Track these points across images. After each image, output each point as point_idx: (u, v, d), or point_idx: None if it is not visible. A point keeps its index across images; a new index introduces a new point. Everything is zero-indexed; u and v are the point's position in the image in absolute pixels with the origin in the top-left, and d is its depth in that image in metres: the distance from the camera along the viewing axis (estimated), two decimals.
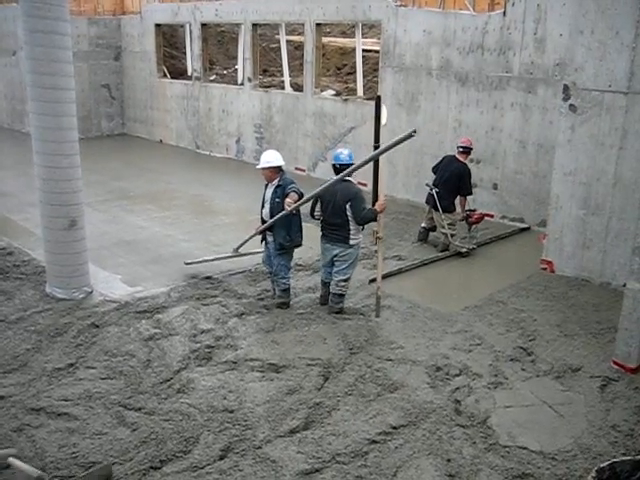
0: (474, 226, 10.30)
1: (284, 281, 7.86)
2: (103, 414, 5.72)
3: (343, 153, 7.67)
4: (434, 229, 10.39)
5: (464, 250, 9.92)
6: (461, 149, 10.13)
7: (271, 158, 7.61)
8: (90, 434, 5.43)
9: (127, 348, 6.85)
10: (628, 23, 8.05)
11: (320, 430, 5.58)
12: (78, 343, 6.92)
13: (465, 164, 10.07)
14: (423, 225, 10.55)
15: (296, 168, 14.83)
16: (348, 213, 7.42)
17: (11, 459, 4.83)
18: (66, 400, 5.89)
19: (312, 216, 7.82)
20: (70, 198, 7.81)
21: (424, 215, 10.62)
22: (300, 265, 9.17)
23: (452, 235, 9.96)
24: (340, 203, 7.42)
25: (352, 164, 7.45)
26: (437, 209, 9.93)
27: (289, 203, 7.30)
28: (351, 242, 7.56)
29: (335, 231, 7.56)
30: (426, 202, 10.32)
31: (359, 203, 7.39)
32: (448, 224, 9.94)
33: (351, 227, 7.49)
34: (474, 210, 10.38)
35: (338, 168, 7.54)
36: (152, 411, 5.79)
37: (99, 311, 7.66)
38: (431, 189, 10.00)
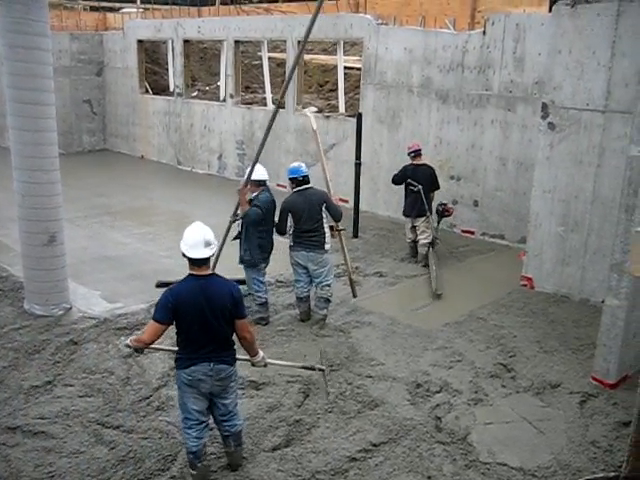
0: (443, 218, 10.69)
1: (259, 294, 7.87)
2: (80, 432, 5.66)
3: (302, 165, 8.03)
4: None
5: (436, 241, 10.30)
6: (413, 154, 10.34)
7: (260, 172, 7.82)
8: (67, 453, 5.38)
9: (106, 365, 6.79)
10: (604, 43, 8.18)
11: (300, 447, 5.56)
12: (56, 360, 6.85)
13: (427, 164, 10.39)
14: (410, 237, 10.52)
15: (277, 184, 14.81)
16: (323, 214, 7.83)
17: None
18: (43, 418, 5.83)
19: (282, 233, 7.95)
20: (50, 214, 7.77)
21: (406, 229, 10.62)
22: (280, 282, 9.17)
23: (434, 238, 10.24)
24: (316, 206, 7.79)
25: (308, 174, 7.94)
26: (422, 214, 10.10)
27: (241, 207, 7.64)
28: (326, 247, 7.86)
29: (312, 237, 7.78)
30: (407, 214, 10.38)
31: (332, 201, 7.99)
32: (427, 227, 10.16)
33: (325, 231, 7.86)
34: (446, 204, 10.64)
35: (301, 180, 7.88)
36: (131, 429, 5.74)
37: (78, 328, 7.59)
38: (416, 187, 10.03)
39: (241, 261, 7.87)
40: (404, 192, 10.46)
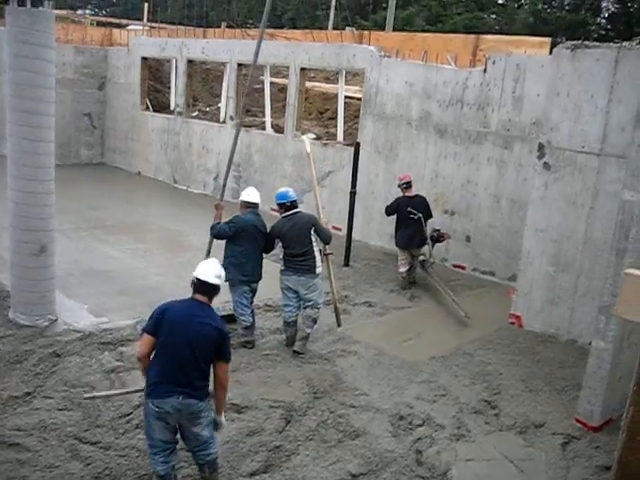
0: (436, 244, 10.84)
1: (243, 318, 7.84)
2: (57, 446, 5.58)
3: (289, 190, 8.14)
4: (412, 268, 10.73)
5: (432, 265, 10.64)
6: (405, 185, 10.61)
7: (244, 193, 8.05)
8: (41, 467, 5.30)
9: (87, 379, 6.73)
10: (602, 88, 8.28)
11: (279, 474, 5.51)
12: (37, 372, 6.78)
13: (419, 194, 10.72)
14: (403, 270, 10.59)
15: (272, 209, 14.83)
16: (312, 238, 7.88)
17: None
18: (19, 430, 5.75)
19: (267, 253, 8.10)
20: (42, 224, 7.74)
21: (399, 261, 10.66)
22: (269, 306, 9.14)
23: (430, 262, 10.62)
24: (305, 230, 7.86)
25: (296, 199, 8.05)
26: (423, 243, 10.45)
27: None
28: (317, 271, 7.88)
29: (302, 261, 7.80)
30: (404, 246, 10.53)
31: (321, 225, 8.07)
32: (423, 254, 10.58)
33: (315, 254, 7.89)
34: (439, 229, 10.78)
35: (289, 205, 7.97)
36: (108, 446, 5.68)
37: (62, 340, 7.53)
38: (415, 215, 10.25)
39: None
40: (396, 224, 10.61)
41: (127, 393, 5.84)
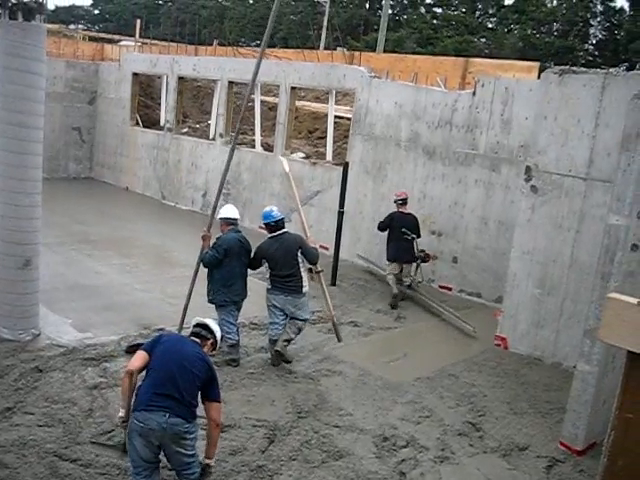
0: (422, 264, 11.16)
1: (229, 336, 7.79)
2: (36, 463, 5.49)
3: (274, 210, 8.11)
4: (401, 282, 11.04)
5: (419, 283, 11.11)
6: (401, 201, 10.99)
7: (223, 210, 8.05)
8: None
9: (69, 395, 6.64)
10: (589, 113, 8.37)
11: None
12: (18, 387, 6.69)
13: (412, 213, 11.08)
14: (396, 291, 10.76)
15: (260, 227, 14.84)
16: (299, 259, 7.88)
17: None
18: None
19: (254, 269, 8.14)
20: (27, 237, 7.69)
21: (389, 271, 10.99)
22: (254, 324, 9.09)
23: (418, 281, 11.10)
24: (293, 251, 7.87)
25: (283, 218, 8.06)
26: (413, 260, 10.86)
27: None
28: (304, 290, 7.94)
29: (289, 282, 7.84)
30: (394, 259, 10.89)
31: (307, 245, 8.04)
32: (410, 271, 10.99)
33: (302, 274, 7.92)
34: (423, 250, 11.07)
35: (274, 225, 7.96)
36: (88, 463, 5.59)
37: (44, 355, 7.45)
38: (409, 236, 10.66)
39: (208, 300, 7.89)
40: (388, 238, 10.92)
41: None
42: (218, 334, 5.48)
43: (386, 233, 11.02)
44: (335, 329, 8.52)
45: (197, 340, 5.33)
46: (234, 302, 7.84)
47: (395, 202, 11.06)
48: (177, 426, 4.77)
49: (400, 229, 10.70)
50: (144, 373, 5.04)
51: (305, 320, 8.08)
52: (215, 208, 7.89)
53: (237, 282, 7.82)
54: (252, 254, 7.98)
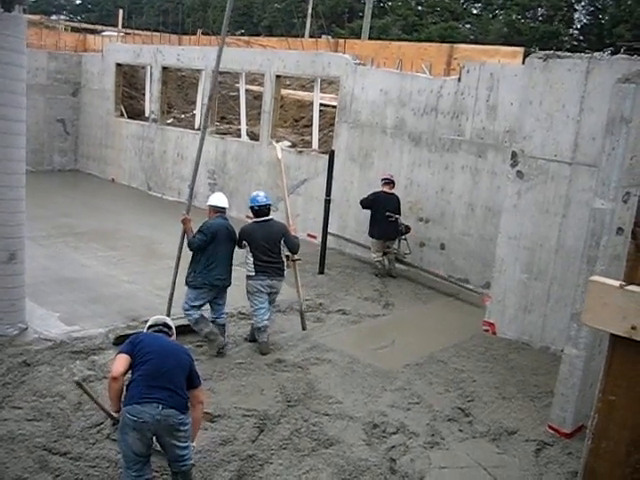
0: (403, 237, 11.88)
1: (188, 312, 7.79)
2: (25, 458, 5.47)
3: (260, 195, 8.27)
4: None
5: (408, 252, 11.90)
6: (387, 180, 11.54)
7: (212, 197, 8.22)
8: (9, 479, 5.18)
9: (58, 389, 6.61)
10: (574, 98, 8.38)
11: None
12: (6, 382, 6.65)
13: (395, 193, 11.60)
14: (378, 255, 11.58)
15: (247, 216, 14.80)
16: (281, 246, 8.07)
17: None
18: None
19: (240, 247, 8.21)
20: (11, 231, 7.62)
21: (376, 248, 11.64)
22: (242, 314, 9.08)
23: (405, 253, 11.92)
24: (276, 240, 8.05)
25: (269, 204, 8.23)
26: (397, 236, 11.59)
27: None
28: (284, 274, 8.18)
29: (274, 266, 8.03)
30: (380, 237, 11.56)
31: (290, 234, 8.25)
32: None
33: (283, 260, 8.16)
34: (402, 223, 11.62)
35: (257, 210, 8.14)
36: (78, 456, 5.58)
37: (32, 349, 7.41)
38: (393, 217, 11.30)
39: (185, 282, 7.88)
40: (372, 217, 11.55)
41: (104, 410, 5.64)
42: (174, 329, 5.69)
43: (369, 213, 11.62)
44: (302, 317, 8.71)
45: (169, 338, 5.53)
46: (213, 285, 7.78)
47: (383, 180, 11.57)
48: (171, 417, 4.78)
49: (384, 208, 11.29)
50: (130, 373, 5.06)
51: (275, 306, 8.50)
52: (192, 191, 8.28)
53: (219, 266, 7.78)
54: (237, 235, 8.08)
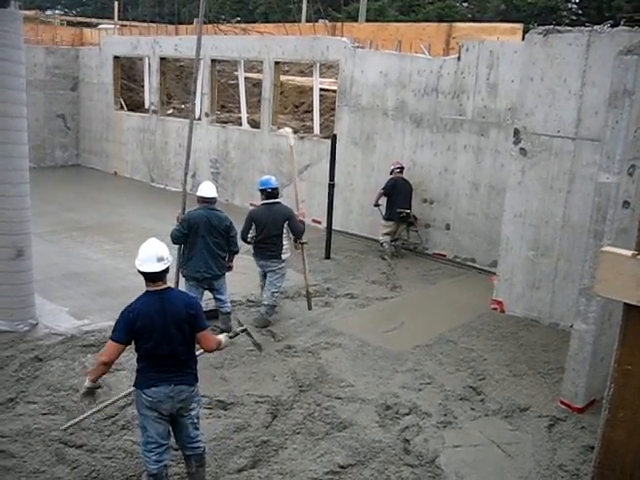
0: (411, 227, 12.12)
1: None
2: (42, 451, 5.53)
3: (272, 178, 8.61)
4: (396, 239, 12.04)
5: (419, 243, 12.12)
6: (399, 169, 11.73)
7: (199, 187, 8.13)
8: (27, 472, 5.25)
9: (71, 383, 6.66)
10: (575, 72, 8.33)
11: (267, 469, 5.49)
12: (19, 377, 6.71)
13: (406, 179, 11.79)
14: (388, 238, 11.79)
15: (251, 204, 14.81)
16: (284, 230, 8.29)
17: None
18: (3, 437, 5.69)
19: (244, 240, 8.32)
20: (17, 227, 7.65)
21: (386, 231, 11.79)
22: (251, 301, 9.11)
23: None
24: (279, 222, 8.26)
25: (278, 188, 8.53)
26: (408, 221, 11.75)
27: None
28: (283, 257, 8.39)
29: (269, 248, 8.27)
30: (393, 219, 11.68)
31: (295, 219, 8.40)
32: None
33: (284, 244, 8.35)
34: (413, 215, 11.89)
35: (270, 192, 8.40)
36: (94, 448, 5.63)
37: (43, 344, 7.45)
38: (403, 213, 11.53)
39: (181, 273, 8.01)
40: (390, 200, 11.64)
41: (98, 410, 5.65)
42: (165, 256, 5.03)
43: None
44: (308, 298, 8.88)
45: (156, 287, 4.95)
46: (193, 278, 7.76)
47: (392, 171, 11.71)
48: (184, 392, 4.90)
49: (403, 193, 11.52)
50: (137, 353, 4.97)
51: (278, 286, 8.47)
52: (185, 185, 8.31)
53: (197, 258, 7.70)
54: (245, 220, 8.29)
